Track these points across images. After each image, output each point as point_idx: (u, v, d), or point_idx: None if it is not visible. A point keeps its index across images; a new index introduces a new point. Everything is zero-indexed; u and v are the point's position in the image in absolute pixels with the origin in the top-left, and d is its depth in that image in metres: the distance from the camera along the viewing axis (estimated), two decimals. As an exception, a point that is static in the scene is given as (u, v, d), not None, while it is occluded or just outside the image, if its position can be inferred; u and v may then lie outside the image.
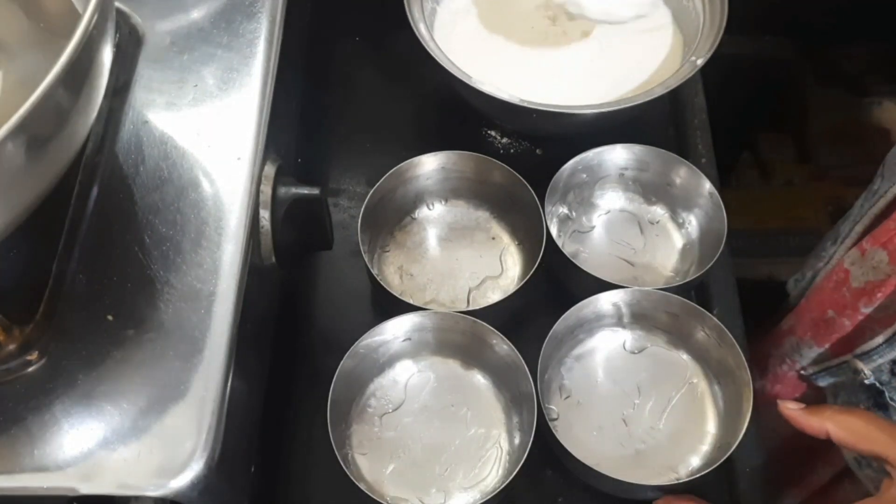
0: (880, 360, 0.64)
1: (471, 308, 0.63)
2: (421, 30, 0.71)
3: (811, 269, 0.79)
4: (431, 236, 0.72)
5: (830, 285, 0.70)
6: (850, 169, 1.25)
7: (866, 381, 0.65)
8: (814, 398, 0.76)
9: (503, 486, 0.57)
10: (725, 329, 0.62)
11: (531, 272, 0.64)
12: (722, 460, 0.58)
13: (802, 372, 0.74)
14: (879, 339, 0.64)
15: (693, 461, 0.62)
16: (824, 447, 0.57)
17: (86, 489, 0.44)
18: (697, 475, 0.58)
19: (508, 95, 0.67)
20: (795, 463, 0.80)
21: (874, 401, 0.66)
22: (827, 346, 0.71)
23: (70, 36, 0.40)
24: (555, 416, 0.63)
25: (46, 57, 0.41)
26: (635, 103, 0.67)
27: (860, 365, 0.65)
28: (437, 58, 0.68)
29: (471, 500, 0.60)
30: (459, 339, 0.64)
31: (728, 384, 0.63)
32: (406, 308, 0.63)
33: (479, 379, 0.65)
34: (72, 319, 0.49)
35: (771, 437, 0.66)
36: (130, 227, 0.52)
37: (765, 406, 0.63)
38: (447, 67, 0.68)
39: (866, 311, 0.66)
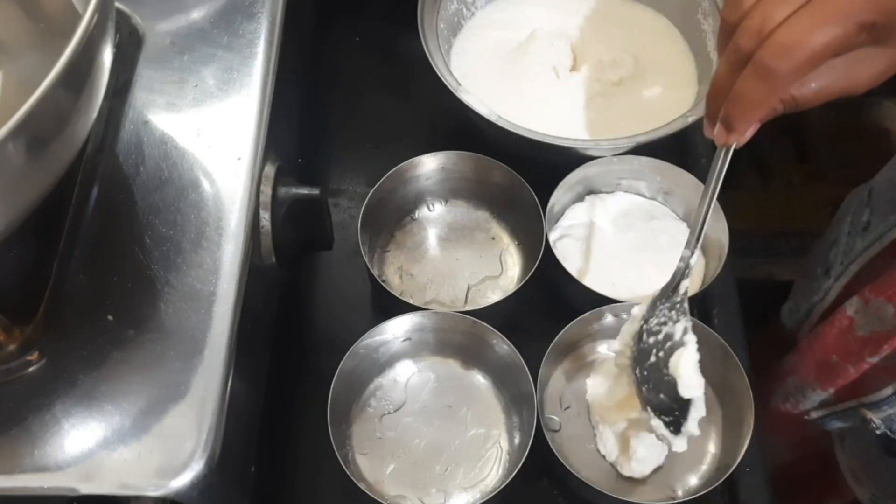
0: (890, 411, 0.63)
1: (471, 308, 0.63)
2: (427, 35, 0.71)
3: (805, 301, 0.78)
4: (431, 236, 0.72)
5: (834, 332, 0.69)
6: (850, 169, 1.24)
7: (877, 432, 0.64)
8: (818, 438, 0.75)
9: (503, 486, 0.57)
10: (730, 348, 0.61)
11: (531, 272, 0.64)
12: (720, 481, 0.58)
13: (807, 417, 0.73)
14: (888, 391, 0.63)
15: (692, 481, 0.62)
16: (832, 483, 0.56)
17: (86, 489, 0.44)
18: (695, 495, 0.58)
19: (499, 119, 0.67)
20: (802, 498, 0.80)
21: (885, 448, 0.65)
22: (831, 390, 0.71)
23: (70, 36, 0.40)
24: (555, 426, 0.63)
25: (46, 57, 0.41)
26: (624, 148, 0.68)
27: (869, 414, 0.64)
28: (436, 69, 0.69)
29: (471, 500, 0.60)
30: (459, 339, 0.64)
31: (730, 404, 0.63)
32: (406, 308, 0.63)
33: (479, 379, 0.65)
34: (72, 319, 0.49)
35: (775, 471, 0.65)
36: (131, 228, 0.52)
37: (767, 442, 0.63)
38: (443, 79, 0.69)
39: (872, 360, 0.65)
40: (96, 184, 0.53)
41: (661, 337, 0.56)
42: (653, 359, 0.56)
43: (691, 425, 0.55)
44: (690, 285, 0.60)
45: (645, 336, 0.57)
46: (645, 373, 0.56)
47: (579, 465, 0.59)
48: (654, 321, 0.57)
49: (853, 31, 0.42)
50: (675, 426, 0.55)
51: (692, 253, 0.56)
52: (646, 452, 0.59)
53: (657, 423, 0.55)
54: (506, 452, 0.62)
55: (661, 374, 0.55)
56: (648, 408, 0.56)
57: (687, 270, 0.56)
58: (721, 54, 0.49)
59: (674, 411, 0.55)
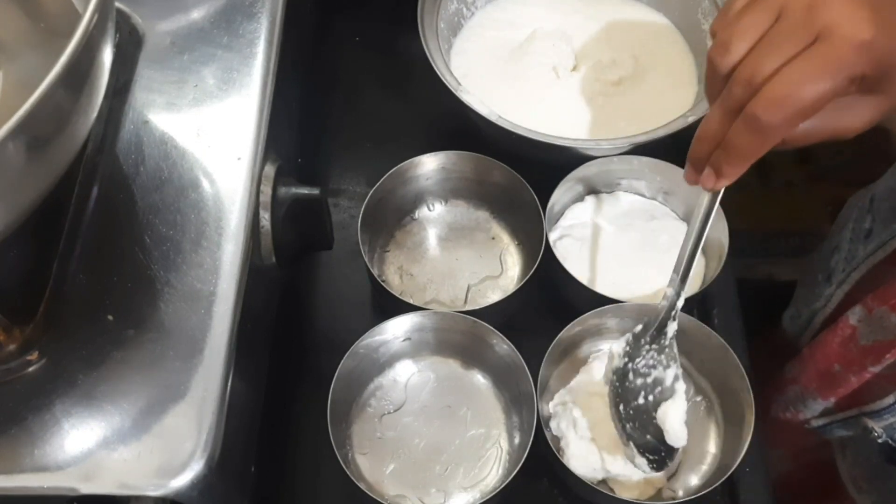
0: (892, 419, 0.63)
1: (471, 308, 0.63)
2: (427, 35, 0.71)
3: (807, 308, 0.78)
4: (431, 236, 0.72)
5: (837, 340, 0.69)
6: (850, 169, 1.25)
7: (879, 440, 0.64)
8: (819, 448, 0.75)
9: (503, 486, 0.57)
10: (730, 348, 0.61)
11: (531, 272, 0.64)
12: (720, 482, 0.58)
13: (807, 426, 0.74)
14: (890, 399, 0.64)
15: (692, 481, 0.61)
16: (834, 493, 0.56)
17: (86, 489, 0.44)
18: (695, 495, 0.58)
19: (499, 119, 0.67)
20: None
21: (887, 457, 0.65)
22: (832, 399, 0.71)
23: (70, 36, 0.40)
24: (556, 429, 0.62)
25: (46, 57, 0.41)
26: (624, 148, 0.68)
27: (870, 423, 0.65)
28: (436, 69, 0.69)
29: (471, 500, 0.60)
30: (459, 339, 0.64)
31: (730, 404, 0.62)
32: (406, 308, 0.63)
33: (479, 379, 0.65)
34: (72, 319, 0.49)
35: (776, 482, 0.65)
36: (131, 228, 0.52)
37: (768, 452, 0.63)
38: (443, 79, 0.69)
39: (874, 370, 0.65)
40: (96, 184, 0.53)
41: (649, 380, 0.57)
42: (640, 401, 0.57)
43: (675, 465, 0.57)
44: (690, 285, 0.60)
45: (632, 376, 0.58)
46: (630, 412, 0.57)
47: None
48: (641, 362, 0.58)
49: (844, 84, 0.43)
50: (659, 464, 0.57)
51: (677, 294, 0.57)
52: (639, 477, 0.60)
53: (641, 462, 0.57)
54: (506, 452, 0.62)
55: (649, 416, 0.57)
56: (632, 443, 0.57)
57: (673, 312, 0.57)
58: (708, 95, 0.49)
59: (660, 451, 0.56)
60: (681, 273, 0.56)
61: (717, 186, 0.51)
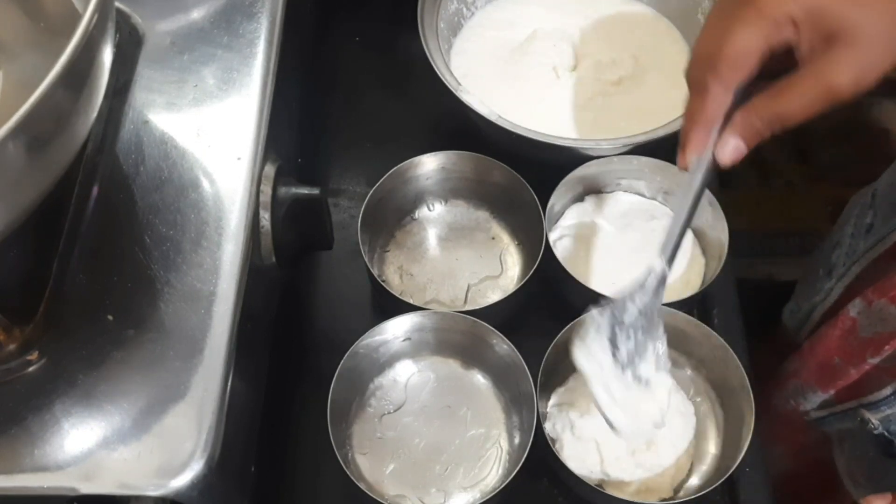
0: (889, 411, 0.64)
1: (471, 308, 0.63)
2: (427, 35, 0.71)
3: (807, 302, 0.78)
4: (431, 236, 0.72)
5: (837, 333, 0.70)
6: (850, 169, 1.25)
7: (875, 432, 0.64)
8: (817, 445, 0.75)
9: (503, 486, 0.57)
10: (730, 348, 0.61)
11: (531, 272, 0.64)
12: (720, 482, 0.58)
13: (806, 417, 0.74)
14: (887, 391, 0.64)
15: (692, 480, 0.61)
16: (831, 489, 0.56)
17: (86, 489, 0.44)
18: (695, 495, 0.58)
19: (499, 119, 0.67)
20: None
21: (883, 450, 0.65)
22: (832, 392, 0.71)
23: (70, 36, 0.40)
24: (552, 431, 0.62)
25: (46, 57, 0.41)
26: (624, 148, 0.68)
27: (868, 415, 0.65)
28: (436, 69, 0.69)
29: (471, 500, 0.60)
30: (459, 339, 0.64)
31: (730, 404, 0.62)
32: (406, 308, 0.63)
33: (479, 379, 0.65)
34: (72, 319, 0.49)
35: (774, 479, 0.65)
36: (130, 228, 0.52)
37: (768, 449, 0.63)
38: (443, 79, 0.69)
39: (873, 361, 0.65)
40: (96, 184, 0.53)
41: None
42: None
43: (682, 474, 0.59)
44: (690, 285, 0.60)
45: None
46: None
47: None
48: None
49: (771, 28, 0.44)
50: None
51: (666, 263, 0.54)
52: (638, 483, 0.60)
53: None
54: (506, 452, 0.62)
55: None
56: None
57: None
58: None
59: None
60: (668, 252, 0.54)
61: (681, 162, 0.51)
